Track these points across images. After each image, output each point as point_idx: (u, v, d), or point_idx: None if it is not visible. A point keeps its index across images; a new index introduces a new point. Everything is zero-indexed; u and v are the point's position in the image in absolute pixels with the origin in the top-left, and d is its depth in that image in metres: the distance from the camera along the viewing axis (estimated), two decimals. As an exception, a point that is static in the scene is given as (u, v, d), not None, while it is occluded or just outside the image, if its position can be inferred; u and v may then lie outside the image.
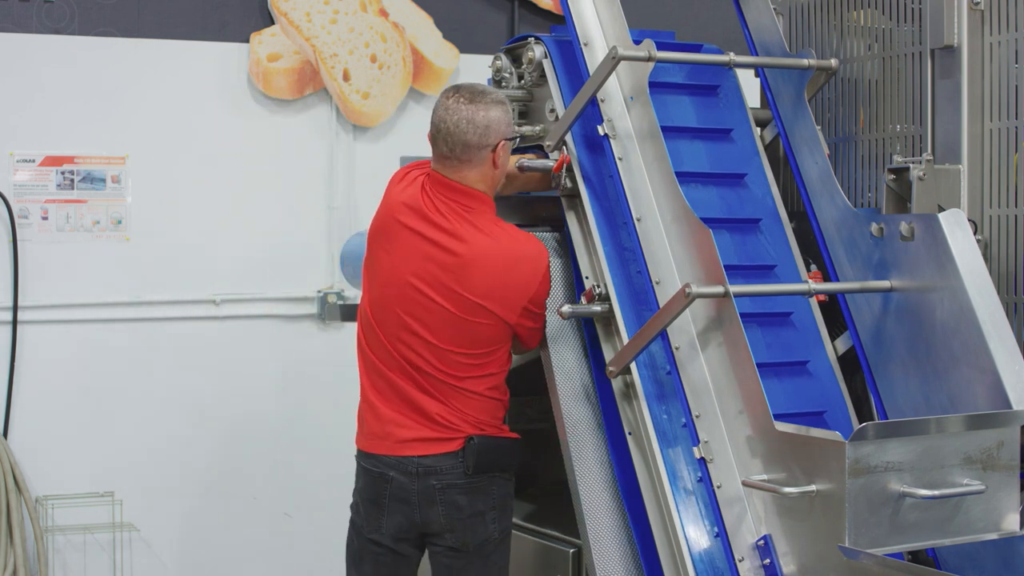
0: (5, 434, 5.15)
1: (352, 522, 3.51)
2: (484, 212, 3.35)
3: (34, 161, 5.23)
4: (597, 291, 3.33)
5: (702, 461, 3.02)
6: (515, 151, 3.67)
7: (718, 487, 2.98)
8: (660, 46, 3.30)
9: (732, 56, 3.43)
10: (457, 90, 3.35)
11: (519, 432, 3.48)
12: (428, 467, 3.33)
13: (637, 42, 3.31)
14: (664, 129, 3.28)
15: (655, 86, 3.36)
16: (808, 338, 3.34)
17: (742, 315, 2.97)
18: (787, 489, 2.73)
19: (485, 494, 3.37)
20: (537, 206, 3.66)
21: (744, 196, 3.48)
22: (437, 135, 3.34)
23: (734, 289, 2.97)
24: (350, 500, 3.50)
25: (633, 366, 3.20)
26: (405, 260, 3.33)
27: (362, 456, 3.44)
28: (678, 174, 3.21)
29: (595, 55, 3.43)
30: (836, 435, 2.62)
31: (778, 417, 2.86)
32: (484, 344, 3.34)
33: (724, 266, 2.99)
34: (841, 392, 3.30)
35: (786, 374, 3.27)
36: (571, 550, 3.55)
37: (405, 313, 3.32)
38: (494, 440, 3.37)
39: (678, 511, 3.05)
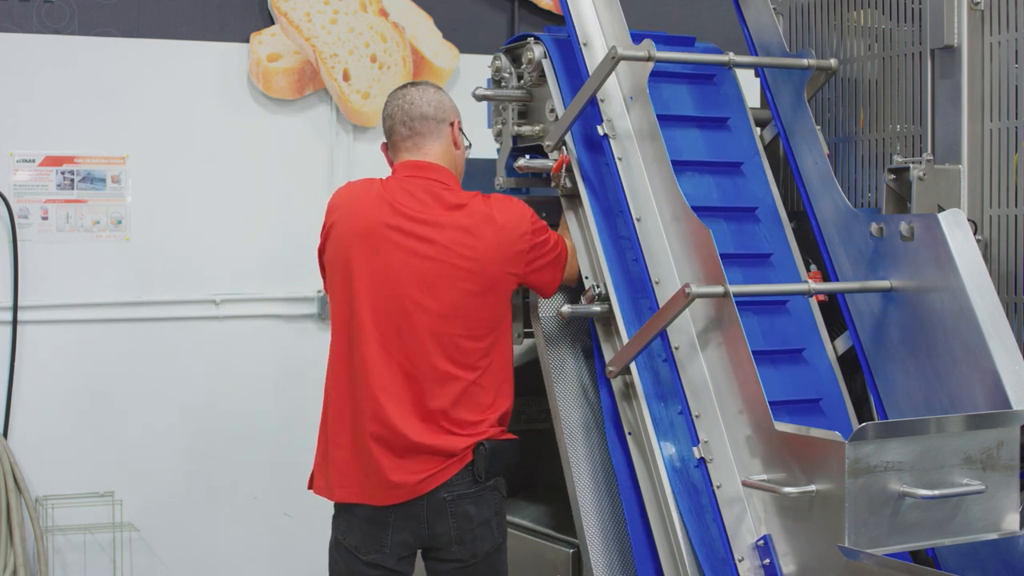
0: (5, 434, 5.15)
1: (338, 544, 3.31)
2: (458, 186, 3.39)
3: (34, 161, 5.23)
4: (597, 291, 3.33)
5: (702, 461, 3.02)
6: (515, 151, 3.68)
7: (718, 487, 2.98)
8: (657, 44, 3.29)
9: (732, 56, 3.43)
10: (401, 86, 3.47)
11: (519, 432, 3.47)
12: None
13: (635, 42, 3.31)
14: (661, 118, 3.28)
15: (653, 75, 3.34)
16: (804, 326, 3.34)
17: (738, 303, 2.97)
18: (787, 489, 2.73)
19: (490, 501, 3.31)
20: (536, 207, 3.66)
21: (741, 185, 3.48)
22: (395, 122, 3.39)
23: (734, 289, 2.97)
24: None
25: (633, 366, 3.20)
26: (400, 266, 3.25)
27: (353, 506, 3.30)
28: (675, 163, 3.21)
29: (595, 55, 3.43)
30: (836, 435, 2.62)
31: (774, 404, 2.86)
32: (488, 324, 3.28)
33: (721, 254, 2.99)
34: (837, 379, 3.30)
35: (782, 362, 3.27)
36: (570, 550, 3.55)
37: (411, 308, 3.23)
38: (500, 443, 3.29)
39: (678, 511, 3.05)
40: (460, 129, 3.45)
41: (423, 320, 3.23)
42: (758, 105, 3.76)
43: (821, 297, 3.37)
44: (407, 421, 3.21)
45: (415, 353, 3.24)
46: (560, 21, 4.92)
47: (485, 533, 3.29)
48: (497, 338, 3.32)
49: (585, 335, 3.50)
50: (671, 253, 3.18)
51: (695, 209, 3.10)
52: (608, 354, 3.33)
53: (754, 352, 2.90)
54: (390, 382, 3.22)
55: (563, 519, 3.54)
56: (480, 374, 3.28)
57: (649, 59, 3.25)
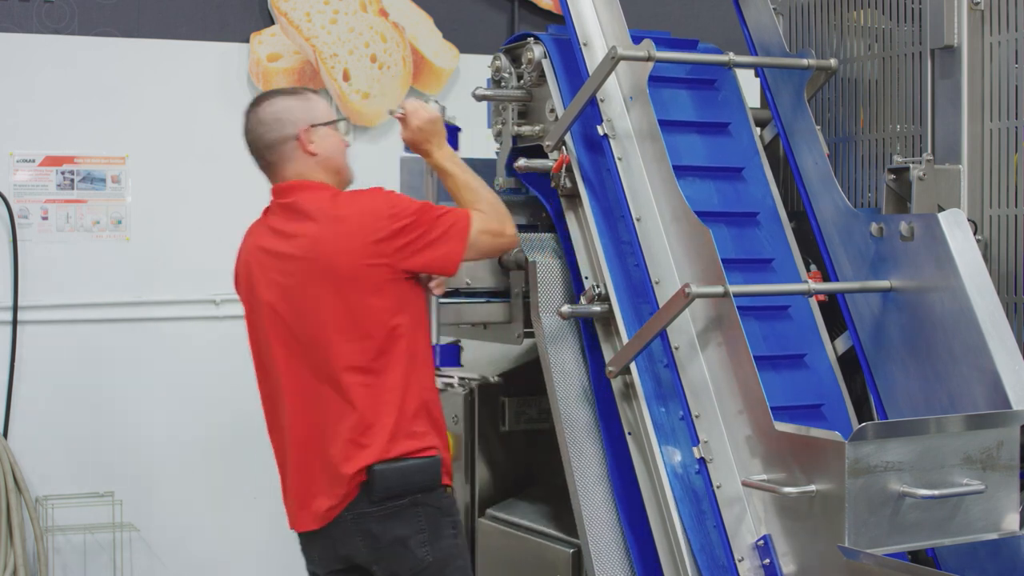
0: (5, 434, 5.15)
1: None
2: (318, 195, 3.25)
3: (34, 161, 5.23)
4: (596, 291, 3.33)
5: (702, 461, 3.02)
6: (514, 151, 3.67)
7: (718, 487, 2.98)
8: (659, 45, 3.29)
9: (732, 56, 3.43)
10: (247, 107, 3.38)
11: (519, 433, 3.47)
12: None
13: (635, 42, 3.31)
14: (662, 123, 3.28)
15: (653, 80, 3.35)
16: (805, 331, 3.34)
17: (740, 308, 2.97)
18: (787, 489, 2.73)
19: (405, 519, 3.17)
20: (537, 206, 3.66)
21: (741, 189, 3.48)
22: (251, 153, 3.36)
23: (734, 289, 2.97)
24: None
25: (633, 366, 3.20)
26: (266, 286, 3.29)
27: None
28: (676, 168, 3.21)
29: (594, 55, 3.43)
30: (836, 435, 2.62)
31: (775, 410, 2.86)
32: (369, 322, 3.16)
33: (722, 260, 2.99)
34: (838, 384, 3.30)
35: (783, 366, 3.27)
36: (571, 550, 3.54)
37: (292, 336, 3.22)
38: (395, 465, 3.15)
39: (678, 511, 3.05)
40: (315, 126, 3.28)
41: (302, 333, 3.20)
42: (758, 105, 3.76)
43: (821, 297, 3.37)
44: (311, 446, 3.22)
45: (304, 372, 3.21)
46: (560, 21, 4.92)
47: (401, 553, 3.17)
48: (391, 334, 3.18)
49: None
50: (671, 253, 3.18)
51: (696, 215, 3.10)
52: (608, 354, 3.33)
53: (756, 357, 2.90)
54: (292, 405, 3.23)
55: (563, 519, 3.54)
56: (378, 374, 3.17)
57: (649, 59, 3.25)
